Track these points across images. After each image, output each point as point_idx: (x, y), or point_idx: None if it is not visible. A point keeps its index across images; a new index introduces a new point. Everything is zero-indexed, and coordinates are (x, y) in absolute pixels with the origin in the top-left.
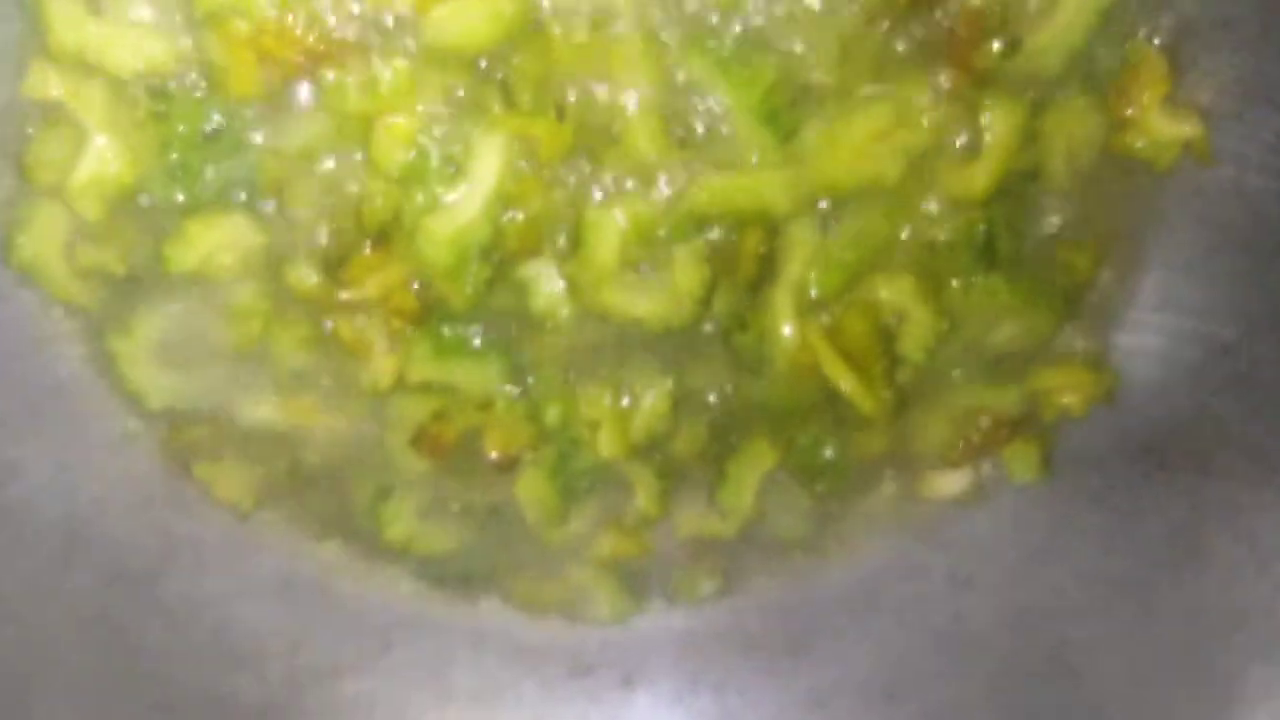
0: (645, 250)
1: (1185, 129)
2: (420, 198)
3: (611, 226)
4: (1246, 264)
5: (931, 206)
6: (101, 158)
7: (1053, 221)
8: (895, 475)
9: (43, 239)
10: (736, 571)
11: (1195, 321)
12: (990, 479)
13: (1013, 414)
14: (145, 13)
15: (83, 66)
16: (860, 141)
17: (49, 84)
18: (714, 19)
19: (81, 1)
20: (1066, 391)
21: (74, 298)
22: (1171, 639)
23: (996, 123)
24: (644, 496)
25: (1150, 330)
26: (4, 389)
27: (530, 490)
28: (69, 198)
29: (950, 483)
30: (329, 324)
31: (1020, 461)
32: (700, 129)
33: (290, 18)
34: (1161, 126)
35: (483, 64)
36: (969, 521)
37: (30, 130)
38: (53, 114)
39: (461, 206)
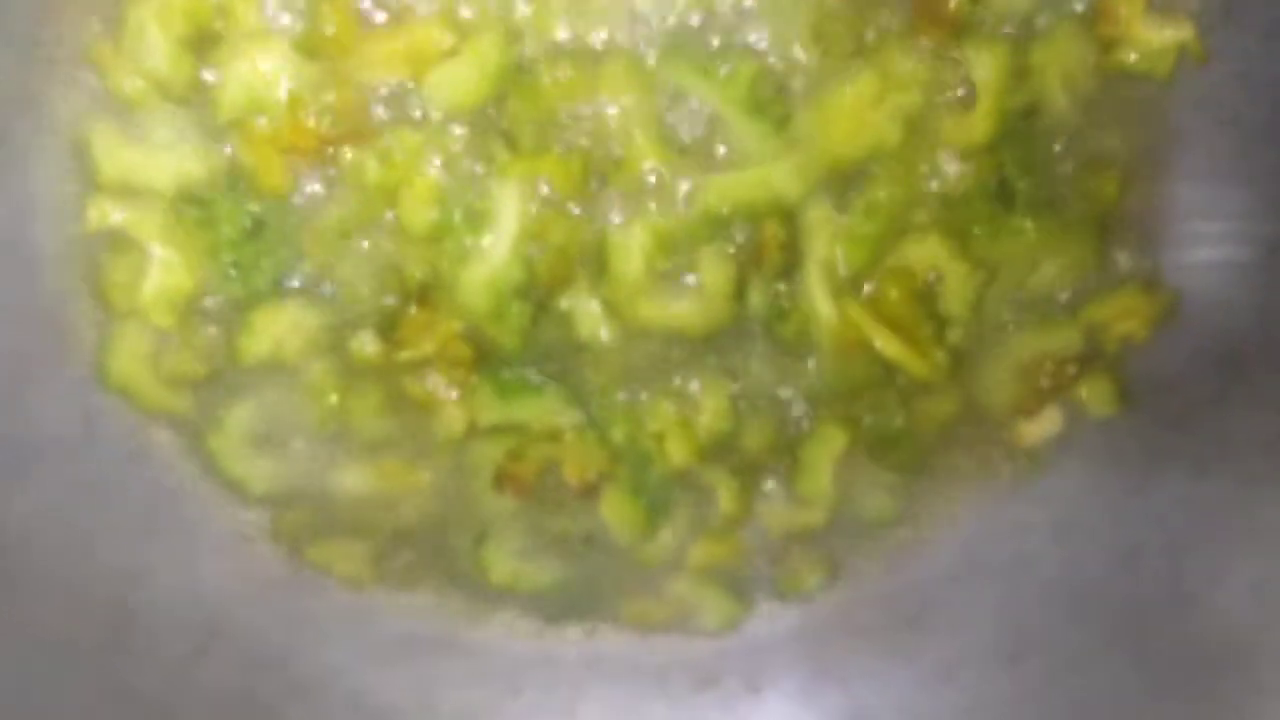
0: (671, 260)
1: (1174, 33)
2: (452, 251)
3: (633, 244)
4: (1270, 158)
5: (941, 162)
6: (164, 270)
7: (1067, 152)
8: (973, 435)
9: (129, 357)
10: (838, 560)
11: (1238, 224)
12: (1073, 420)
13: (1076, 351)
14: (177, 131)
15: (131, 192)
16: (853, 112)
17: (106, 214)
18: (687, 29)
19: (120, 134)
20: (1125, 319)
21: (167, 406)
22: None
23: (982, 67)
24: (725, 498)
25: (1196, 242)
26: (120, 501)
27: (615, 511)
28: (143, 313)
29: (1040, 426)
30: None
31: (1096, 397)
32: (698, 134)
33: (302, 112)
34: (1149, 35)
35: (487, 113)
36: (1061, 470)
37: (101, 260)
38: (116, 241)
39: (490, 253)
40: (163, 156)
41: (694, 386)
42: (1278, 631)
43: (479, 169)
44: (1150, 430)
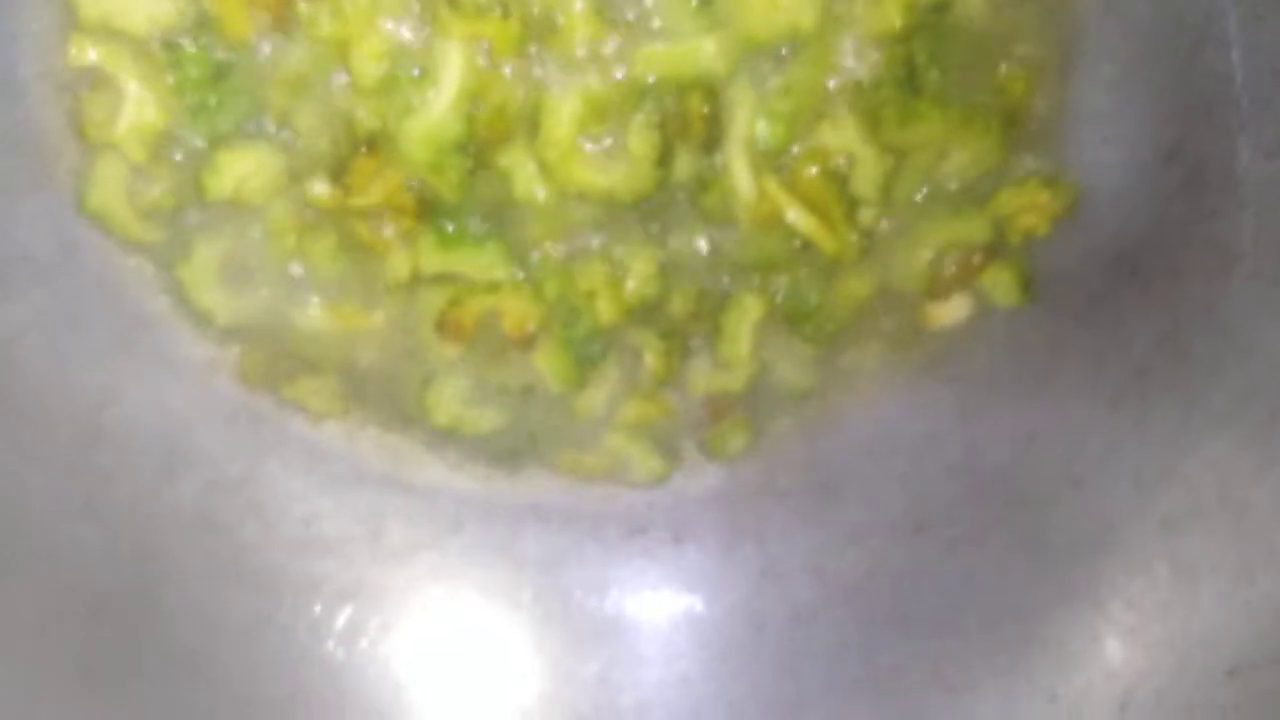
0: (601, 126)
1: None
2: (398, 105)
3: (564, 108)
4: (1173, 64)
5: (855, 48)
6: (136, 107)
7: (977, 47)
8: (887, 315)
9: (105, 187)
10: (760, 426)
11: (1138, 128)
12: (981, 310)
13: (983, 240)
14: None
15: (109, 32)
16: None
17: (85, 51)
18: None
19: None
20: (1028, 212)
21: (140, 235)
22: (1166, 440)
23: None
24: (651, 357)
25: (1099, 144)
26: (96, 326)
27: (548, 361)
28: (118, 146)
29: (949, 311)
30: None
31: (1001, 287)
32: (631, 7)
33: None
34: None
35: None
36: (969, 355)
37: (80, 94)
38: (95, 77)
39: (432, 107)
40: (138, 1)
41: (624, 250)
42: (1153, 514)
43: (425, 28)
44: (1052, 322)
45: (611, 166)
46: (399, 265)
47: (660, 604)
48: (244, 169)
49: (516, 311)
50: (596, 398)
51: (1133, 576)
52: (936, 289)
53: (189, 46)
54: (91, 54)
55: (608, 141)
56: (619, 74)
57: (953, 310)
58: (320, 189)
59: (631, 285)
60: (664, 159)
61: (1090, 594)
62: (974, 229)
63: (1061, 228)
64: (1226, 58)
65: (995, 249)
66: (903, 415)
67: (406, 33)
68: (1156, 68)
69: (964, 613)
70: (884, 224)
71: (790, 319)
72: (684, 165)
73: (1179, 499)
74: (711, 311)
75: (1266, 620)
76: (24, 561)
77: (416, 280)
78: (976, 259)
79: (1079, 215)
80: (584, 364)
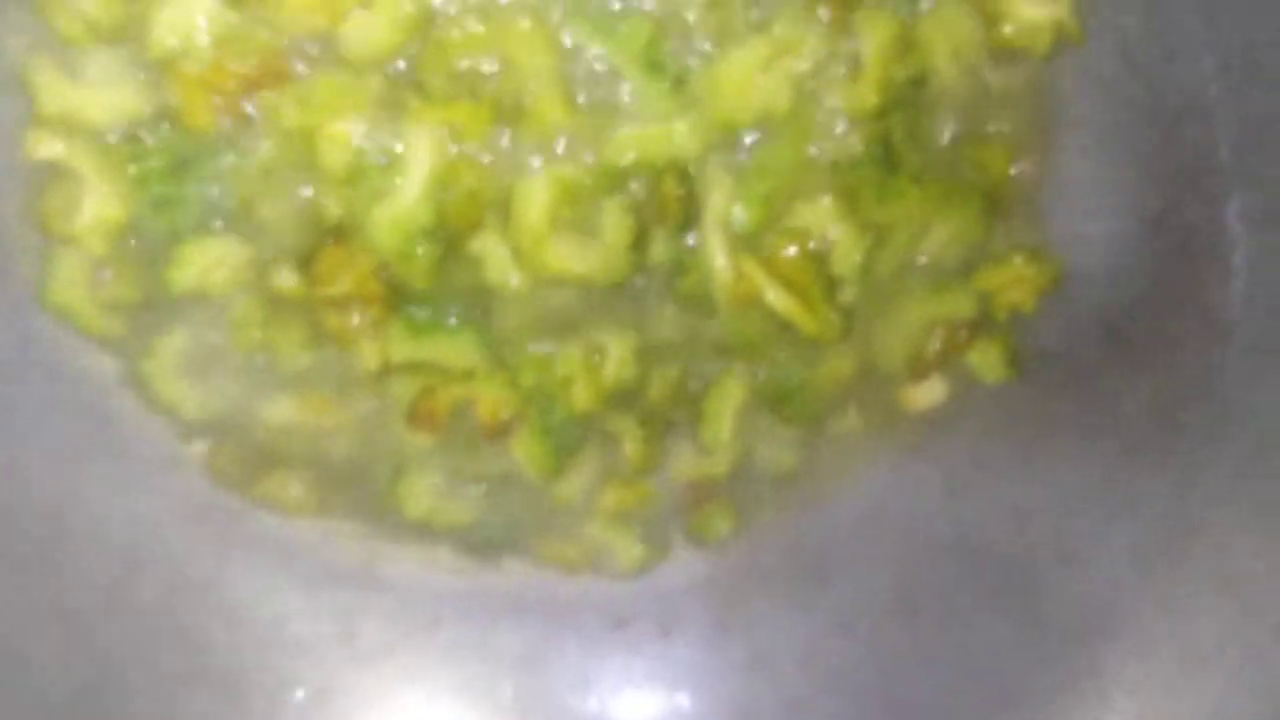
0: (574, 210)
1: (1050, 10)
2: (366, 192)
3: (536, 193)
4: (1154, 135)
5: (831, 127)
6: (98, 200)
7: (954, 123)
8: (870, 394)
9: (67, 281)
10: (744, 510)
11: (1122, 198)
12: (967, 386)
13: (966, 317)
14: (110, 70)
15: (68, 125)
16: (744, 76)
17: (44, 145)
18: None
19: (59, 70)
20: (1013, 288)
21: (103, 329)
22: (1166, 512)
23: (870, 38)
24: (630, 445)
25: (1083, 214)
26: (58, 423)
27: (525, 450)
28: (78, 240)
29: (925, 394)
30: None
31: (986, 363)
32: (601, 90)
33: (226, 54)
34: (1027, 12)
35: (399, 65)
36: (957, 431)
37: (41, 187)
38: (55, 170)
39: (401, 194)
40: (97, 93)
41: (601, 335)
42: (1153, 594)
43: (393, 115)
44: (1040, 396)
45: (586, 251)
46: (369, 355)
47: (646, 701)
48: (208, 261)
49: (491, 400)
50: (575, 486)
51: (1135, 659)
52: (920, 367)
53: (149, 139)
54: (51, 147)
55: (582, 226)
56: (591, 157)
57: (931, 392)
58: (287, 279)
59: (609, 371)
60: (639, 243)
61: (1092, 678)
62: (958, 305)
63: (1048, 301)
64: (1209, 129)
65: (980, 325)
66: (890, 494)
67: (373, 120)
68: (1138, 139)
69: (961, 699)
70: (865, 302)
71: (772, 401)
72: (660, 248)
73: (1180, 577)
74: (692, 396)
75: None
76: None
77: (387, 370)
78: (961, 335)
79: (1065, 288)
80: (561, 452)
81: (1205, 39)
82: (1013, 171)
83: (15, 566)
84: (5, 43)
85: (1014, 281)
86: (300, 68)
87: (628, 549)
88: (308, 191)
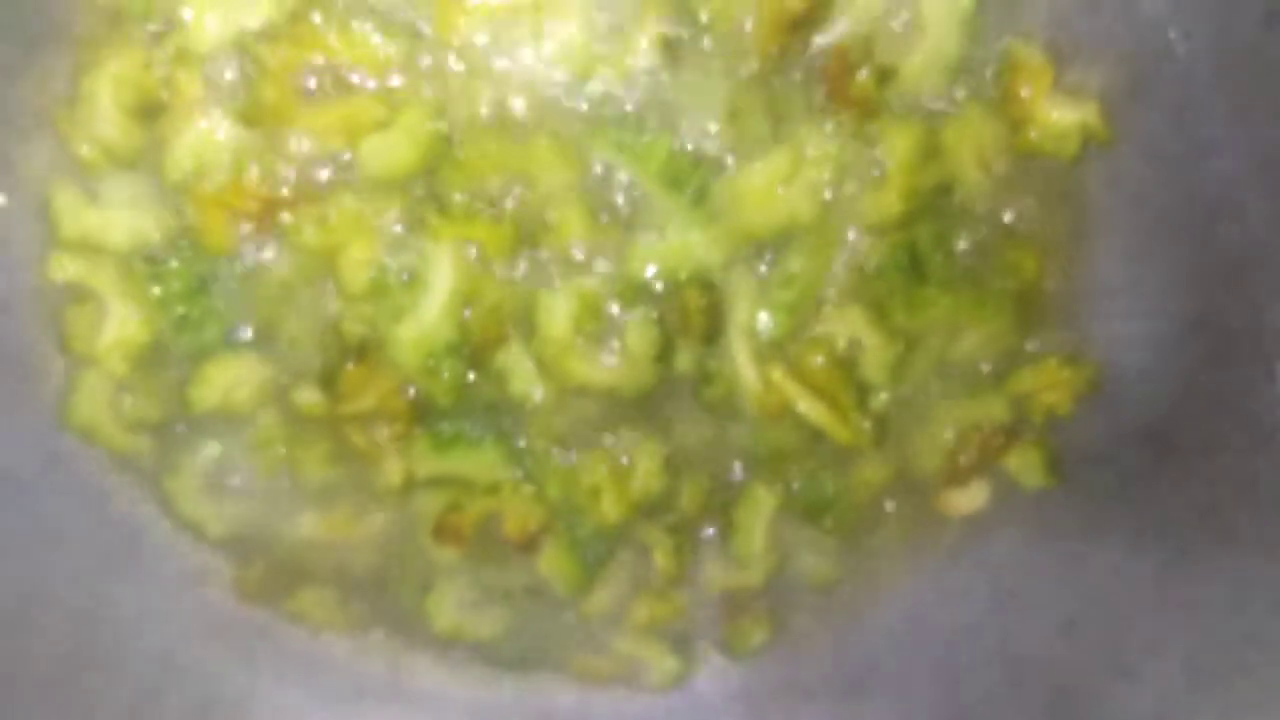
0: (598, 322)
1: (1077, 114)
2: (388, 310)
3: (560, 306)
4: (1189, 235)
5: (856, 236)
6: (120, 322)
7: (982, 228)
8: (908, 502)
9: (90, 401)
10: (781, 620)
11: (1158, 299)
12: (1009, 493)
13: (1003, 422)
14: (129, 193)
15: (89, 248)
16: (767, 188)
17: (66, 268)
18: (607, 107)
19: (78, 194)
20: (1049, 391)
21: (126, 448)
22: (1220, 626)
23: (892, 147)
24: (660, 556)
25: (1118, 317)
26: (81, 543)
27: (553, 565)
28: (101, 360)
29: (966, 499)
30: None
31: (1026, 468)
32: (622, 204)
33: (243, 175)
34: (1054, 116)
35: (417, 186)
36: (999, 539)
37: (63, 309)
38: (77, 292)
39: (423, 311)
40: (117, 216)
41: (628, 445)
42: (1211, 708)
43: (413, 233)
44: (1084, 502)
45: (610, 362)
46: (393, 471)
47: None
48: (230, 379)
49: (518, 513)
50: (605, 599)
51: None
52: (956, 474)
53: (171, 261)
54: (72, 270)
55: (606, 337)
56: (613, 270)
57: (972, 497)
58: (309, 397)
59: (637, 481)
60: (664, 354)
61: None
62: (992, 410)
63: (1087, 404)
64: (1244, 227)
65: (1017, 429)
66: (932, 603)
67: (394, 238)
68: (1172, 239)
69: None
70: (898, 408)
71: (807, 510)
72: (685, 358)
73: (1240, 690)
74: (723, 505)
75: None
76: None
77: (412, 485)
78: (997, 440)
79: (1104, 391)
80: (591, 565)
81: (1236, 136)
82: (1044, 275)
83: (41, 685)
84: (28, 168)
85: (1050, 385)
86: (320, 188)
87: (660, 662)
88: (330, 310)
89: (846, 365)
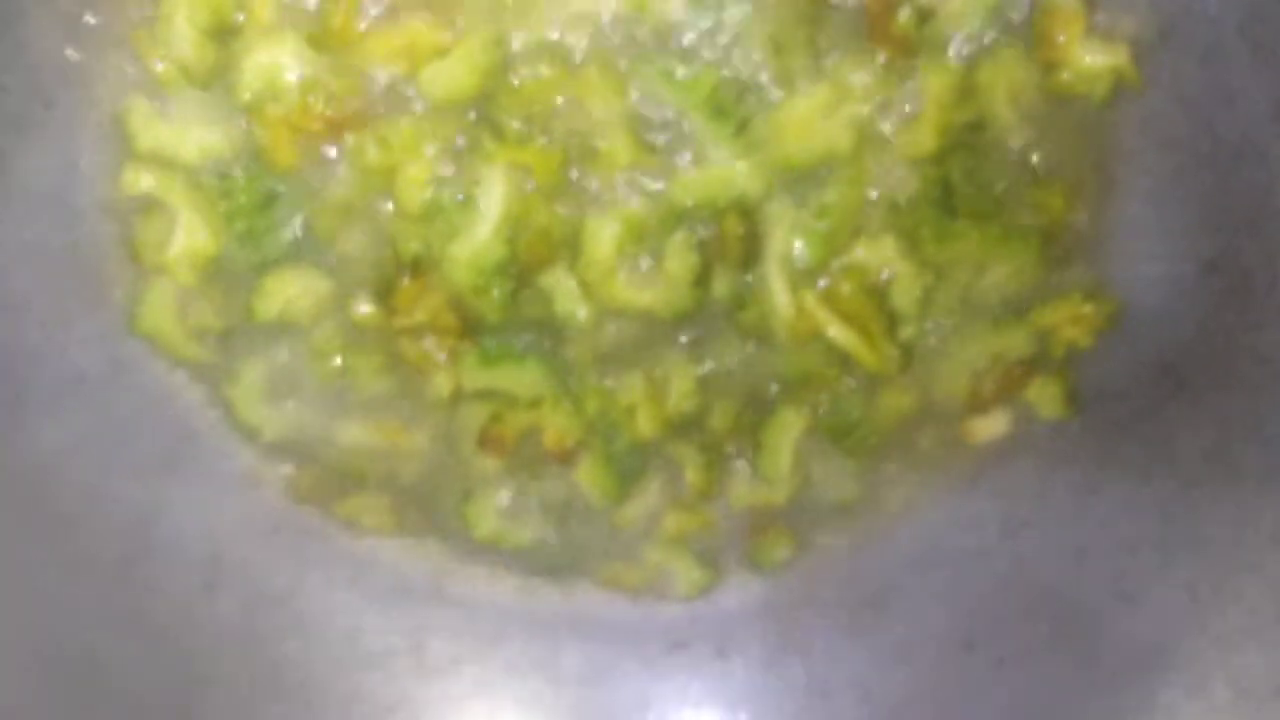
0: (640, 246)
1: (1109, 58)
2: (442, 229)
3: (605, 231)
4: (1211, 178)
5: (891, 169)
6: (188, 233)
7: (1014, 165)
8: (930, 428)
9: (157, 309)
10: (804, 537)
11: (1180, 241)
12: (1026, 423)
13: (1024, 354)
14: (202, 110)
15: (162, 162)
16: (807, 121)
17: (139, 180)
18: (655, 39)
19: (153, 110)
20: (1070, 325)
21: (189, 355)
22: (1221, 556)
23: (929, 84)
24: (691, 472)
25: (1139, 256)
26: (144, 442)
27: (589, 476)
28: (169, 270)
29: (988, 426)
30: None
31: (1045, 399)
32: (668, 133)
33: (310, 97)
34: (1086, 59)
35: (473, 111)
36: (1015, 467)
37: (134, 220)
38: (147, 204)
39: (476, 232)
40: (189, 132)
41: (664, 366)
42: (1210, 632)
43: (469, 156)
44: (1098, 435)
45: (651, 285)
46: (442, 383)
47: None
48: (291, 291)
49: (557, 427)
50: (637, 511)
51: (1190, 697)
52: (978, 403)
53: (239, 175)
54: (145, 182)
55: (647, 261)
56: (657, 197)
57: (993, 424)
58: (365, 310)
59: (671, 400)
60: (702, 278)
61: (1145, 715)
62: (1015, 342)
63: (1105, 340)
64: (1266, 172)
65: (1037, 362)
66: (947, 529)
67: (450, 160)
68: (1195, 181)
69: None
70: (924, 338)
71: (832, 433)
72: (722, 283)
73: (1236, 616)
74: (752, 426)
75: None
76: (66, 673)
77: (459, 397)
78: (1018, 372)
79: (1122, 327)
80: (625, 478)
81: (1260, 83)
82: (1070, 213)
83: (99, 577)
84: (104, 81)
85: (1072, 319)
86: (381, 110)
87: (687, 573)
88: (387, 228)
89: (877, 294)
